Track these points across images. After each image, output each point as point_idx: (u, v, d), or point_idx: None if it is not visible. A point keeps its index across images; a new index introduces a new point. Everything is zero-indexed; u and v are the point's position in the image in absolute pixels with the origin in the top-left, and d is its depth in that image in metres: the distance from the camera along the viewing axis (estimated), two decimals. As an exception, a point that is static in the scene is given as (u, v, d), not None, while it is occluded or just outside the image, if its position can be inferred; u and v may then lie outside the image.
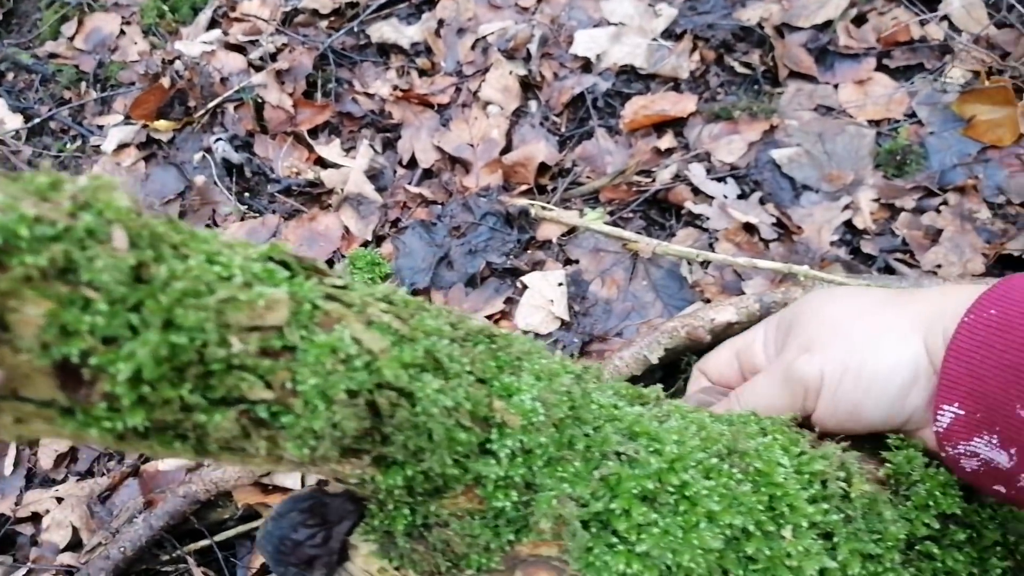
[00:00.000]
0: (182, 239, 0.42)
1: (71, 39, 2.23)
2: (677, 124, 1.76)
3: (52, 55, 2.22)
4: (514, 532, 0.57)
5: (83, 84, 2.15)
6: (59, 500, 1.52)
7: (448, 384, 0.52)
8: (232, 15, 2.03)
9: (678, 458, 0.59)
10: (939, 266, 1.44)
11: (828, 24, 1.84)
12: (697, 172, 1.61)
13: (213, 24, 2.06)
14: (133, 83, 2.11)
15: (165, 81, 1.95)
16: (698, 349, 1.25)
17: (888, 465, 0.65)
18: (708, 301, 1.38)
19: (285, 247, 0.48)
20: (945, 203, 1.55)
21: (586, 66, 1.86)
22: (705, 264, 1.45)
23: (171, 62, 1.99)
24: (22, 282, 0.35)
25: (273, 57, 1.94)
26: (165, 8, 2.17)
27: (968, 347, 0.58)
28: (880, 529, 0.62)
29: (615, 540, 0.57)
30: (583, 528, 0.56)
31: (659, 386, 0.69)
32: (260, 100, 1.86)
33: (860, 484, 0.62)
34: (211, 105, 1.88)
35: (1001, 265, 1.44)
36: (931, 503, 0.64)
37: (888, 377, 0.63)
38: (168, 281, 0.39)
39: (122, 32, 2.20)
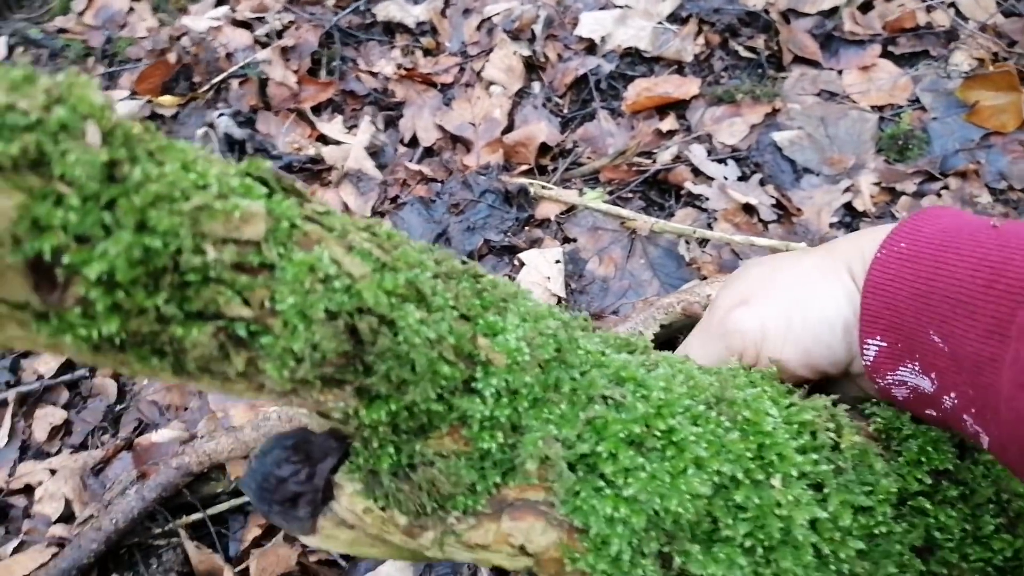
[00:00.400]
0: (157, 145, 0.41)
1: (80, 15, 2.23)
2: (680, 106, 1.75)
3: (61, 30, 2.22)
4: (501, 475, 0.57)
5: (91, 59, 2.15)
6: (52, 472, 1.51)
7: (431, 317, 0.51)
8: (239, -7, 2.03)
9: (665, 404, 0.58)
10: (940, 249, 1.43)
11: (834, 11, 1.83)
12: (698, 153, 1.60)
13: (221, 1, 2.06)
14: (140, 59, 2.11)
15: (171, 56, 1.95)
16: (694, 325, 1.24)
17: (877, 420, 0.64)
18: (705, 278, 1.37)
19: (263, 164, 0.47)
20: (946, 187, 1.54)
21: (590, 48, 1.86)
22: (703, 243, 1.44)
23: (178, 38, 1.98)
24: (-8, 171, 0.34)
25: (279, 34, 1.94)
26: (170, -14, 2.17)
27: (882, 280, 0.60)
28: (871, 481, 0.61)
29: (602, 484, 0.56)
30: (569, 470, 0.55)
31: (647, 336, 0.68)
32: (264, 76, 1.86)
33: (850, 435, 0.61)
34: (216, 80, 1.88)
35: (1003, 249, 1.43)
36: (923, 459, 0.63)
37: (833, 318, 0.64)
38: (142, 183, 0.39)
39: (131, 9, 2.20)
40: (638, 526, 0.55)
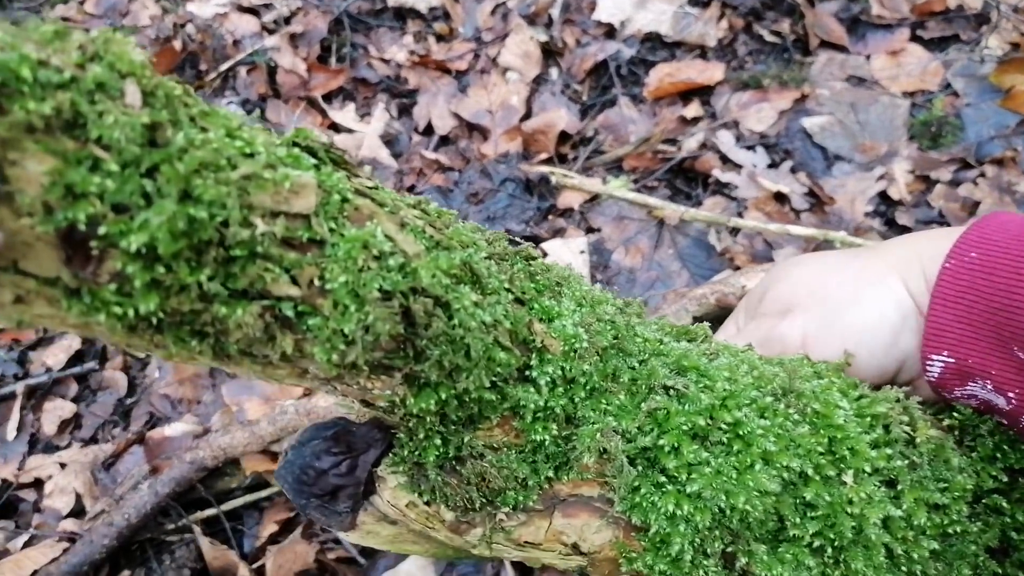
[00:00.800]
0: (199, 110, 0.38)
1: (82, 3, 2.20)
2: (704, 92, 1.71)
3: (63, 19, 2.18)
4: (554, 469, 0.53)
5: (93, 48, 2.12)
6: (62, 466, 1.48)
7: (486, 300, 0.48)
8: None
9: (730, 395, 0.55)
10: (978, 238, 1.39)
11: (861, -7, 1.79)
12: (725, 140, 1.56)
13: (227, -14, 2.02)
14: (144, 47, 2.07)
15: (176, 44, 1.91)
16: (727, 316, 1.20)
17: (955, 415, 0.61)
18: (738, 268, 1.33)
19: (312, 133, 0.44)
20: (982, 175, 1.50)
21: (610, 33, 1.81)
22: (734, 232, 1.41)
23: (183, 25, 1.95)
24: (24, 131, 0.31)
25: (287, 20, 1.90)
26: (177, -28, 2.14)
27: (953, 293, 0.57)
28: (947, 478, 0.57)
29: (663, 479, 0.53)
30: (629, 464, 0.52)
31: (707, 324, 0.64)
32: (273, 64, 1.82)
33: (925, 429, 0.58)
34: (223, 68, 1.84)
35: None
36: (998, 455, 0.60)
37: (877, 324, 0.61)
38: (186, 148, 0.35)
39: (134, -4, 2.17)
40: (702, 524, 0.52)
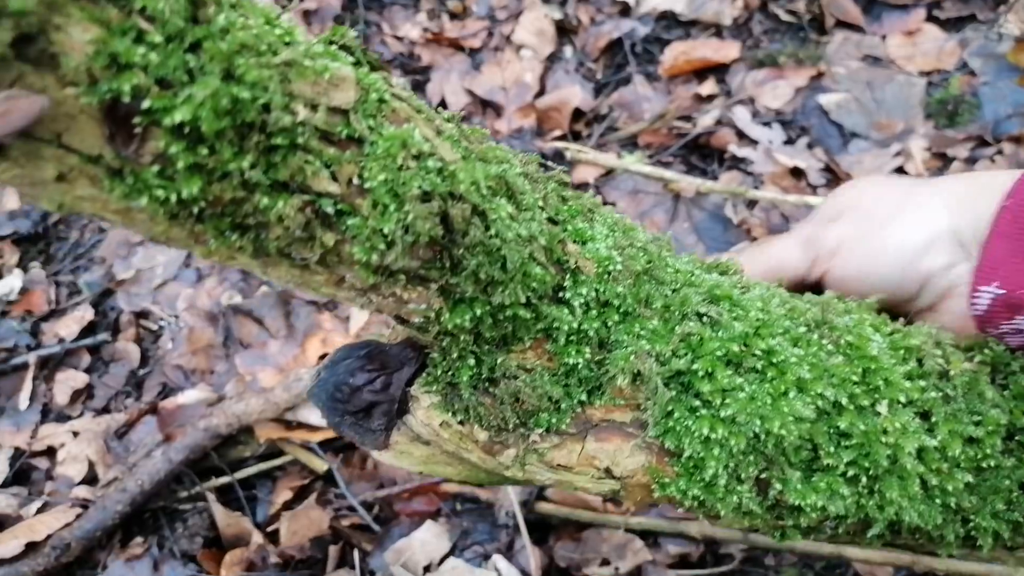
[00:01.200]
0: (237, -1, 0.37)
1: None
2: (719, 70, 1.70)
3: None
4: (586, 393, 0.53)
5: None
6: (75, 434, 1.48)
7: (521, 215, 0.47)
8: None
9: (764, 324, 0.54)
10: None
11: (877, -27, 1.78)
12: (742, 116, 1.55)
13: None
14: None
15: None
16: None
17: (986, 351, 0.60)
18: (755, 240, 1.33)
19: (349, 31, 0.43)
20: (1000, 152, 1.49)
21: (624, 11, 1.81)
22: (751, 204, 1.40)
23: None
24: (67, -2, 0.31)
25: (302, -3, 1.90)
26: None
27: (1012, 229, 0.57)
28: (981, 411, 0.57)
29: (697, 403, 0.52)
30: (670, 384, 0.51)
31: (738, 258, 0.64)
32: (288, 40, 1.82)
33: (959, 363, 0.57)
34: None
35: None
36: (1032, 386, 0.59)
37: (911, 247, 0.62)
38: (227, 29, 0.35)
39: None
40: (736, 449, 0.51)
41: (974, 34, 1.69)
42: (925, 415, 0.56)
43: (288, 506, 1.35)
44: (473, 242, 0.44)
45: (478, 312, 0.47)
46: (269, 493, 1.41)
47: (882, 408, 0.54)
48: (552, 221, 0.51)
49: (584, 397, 0.52)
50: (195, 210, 0.37)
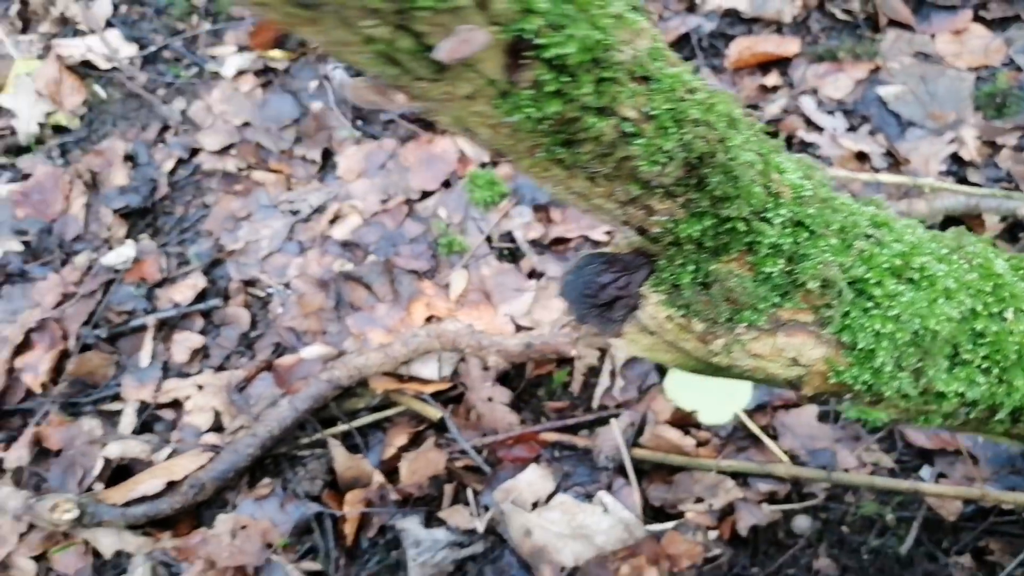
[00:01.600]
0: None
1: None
2: (781, 64, 1.84)
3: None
4: (779, 296, 0.66)
5: (195, 17, 2.26)
6: (199, 388, 1.62)
7: (747, 144, 0.61)
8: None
9: (916, 245, 0.68)
10: (1045, 193, 1.51)
11: (926, -23, 1.92)
12: (808, 105, 1.69)
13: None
14: (243, 17, 2.21)
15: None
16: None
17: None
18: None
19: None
20: (1046, 140, 1.62)
21: (690, 7, 1.95)
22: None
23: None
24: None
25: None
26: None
27: None
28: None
29: (870, 305, 0.65)
30: (849, 292, 0.65)
31: (883, 196, 0.77)
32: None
33: (1068, 282, 0.71)
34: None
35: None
36: None
37: None
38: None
39: (233, -29, 2.30)
40: (901, 341, 0.65)
41: (1018, 33, 1.82)
42: (1045, 321, 0.69)
43: (403, 450, 1.48)
44: (717, 163, 0.58)
45: (707, 224, 0.61)
46: (381, 440, 1.54)
47: (1008, 315, 0.68)
48: (759, 154, 0.64)
49: (777, 299, 0.66)
50: (544, 127, 0.51)
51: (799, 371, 0.68)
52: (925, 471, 1.28)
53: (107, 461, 1.53)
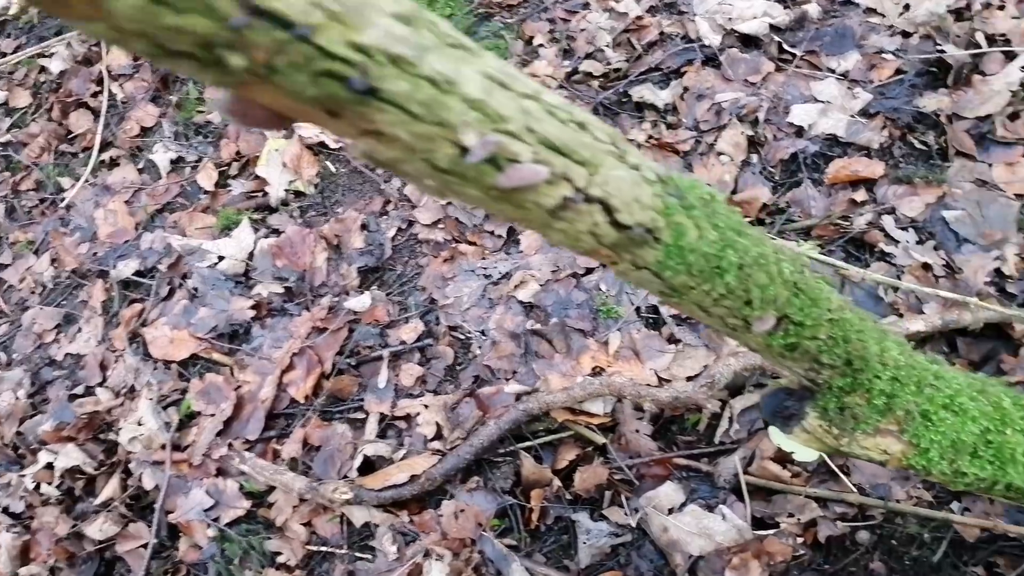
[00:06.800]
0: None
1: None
2: (868, 183, 2.31)
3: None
4: (880, 416, 1.15)
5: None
6: (426, 407, 2.18)
7: (859, 334, 1.11)
8: (526, 71, 2.66)
9: (959, 390, 1.16)
10: (1068, 307, 1.96)
11: (988, 117, 2.36)
12: (888, 222, 2.16)
13: (510, 76, 2.69)
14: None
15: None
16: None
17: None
18: (901, 315, 1.94)
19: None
20: (1074, 262, 2.06)
21: (799, 132, 2.43)
22: (896, 289, 2.01)
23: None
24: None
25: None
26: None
27: None
28: (1058, 438, 1.18)
29: (929, 424, 1.14)
30: (920, 418, 1.14)
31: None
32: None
33: (1047, 415, 1.18)
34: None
35: (1114, 311, 1.95)
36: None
37: None
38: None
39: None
40: (945, 444, 1.15)
41: (1060, 168, 2.25)
42: (1029, 438, 1.17)
43: (574, 465, 2.02)
44: (859, 356, 1.08)
45: (848, 380, 1.11)
46: (553, 455, 2.08)
47: (1007, 432, 1.17)
48: (878, 344, 1.15)
49: (879, 418, 1.16)
50: (781, 350, 1.03)
51: (887, 457, 1.18)
52: (955, 505, 1.76)
53: (364, 456, 2.11)
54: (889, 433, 1.16)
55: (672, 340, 2.12)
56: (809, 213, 2.28)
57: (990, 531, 1.70)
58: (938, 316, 1.83)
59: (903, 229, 2.17)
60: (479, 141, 0.55)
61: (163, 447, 2.30)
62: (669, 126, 2.53)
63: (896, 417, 1.15)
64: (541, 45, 2.74)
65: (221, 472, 2.26)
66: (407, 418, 2.19)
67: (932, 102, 2.40)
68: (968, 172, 2.29)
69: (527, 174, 0.58)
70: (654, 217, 0.73)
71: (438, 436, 2.13)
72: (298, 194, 2.71)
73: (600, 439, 2.01)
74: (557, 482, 1.99)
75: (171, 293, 2.64)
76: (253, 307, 2.45)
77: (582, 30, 2.73)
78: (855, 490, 1.82)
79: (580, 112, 0.66)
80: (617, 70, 2.64)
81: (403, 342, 2.30)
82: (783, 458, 1.90)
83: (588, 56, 2.68)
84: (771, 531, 1.81)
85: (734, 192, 2.35)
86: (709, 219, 0.82)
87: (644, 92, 2.57)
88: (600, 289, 2.24)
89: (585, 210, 0.67)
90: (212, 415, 2.34)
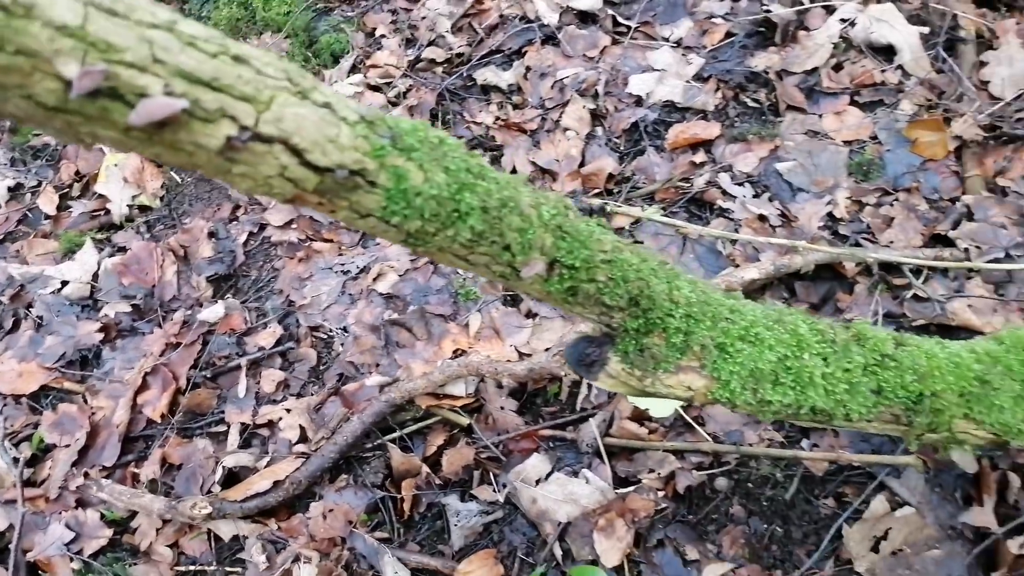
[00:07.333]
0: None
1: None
2: (706, 144, 2.37)
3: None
4: (680, 354, 1.17)
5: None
6: (288, 411, 2.11)
7: (658, 280, 1.13)
8: (368, 62, 2.63)
9: (754, 321, 1.19)
10: (891, 242, 2.06)
11: (815, 70, 2.47)
12: (724, 179, 2.22)
13: (354, 69, 2.66)
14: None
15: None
16: (734, 296, 1.86)
17: (854, 329, 1.26)
18: (737, 266, 2.00)
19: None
20: (897, 199, 2.17)
21: (638, 101, 2.47)
22: (734, 242, 2.07)
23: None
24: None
25: (404, 95, 2.54)
26: (309, 54, 2.77)
27: None
28: (851, 356, 1.22)
29: (727, 356, 1.17)
30: (716, 350, 1.16)
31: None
32: (399, 128, 2.46)
33: (841, 335, 1.22)
34: (362, 131, 2.47)
35: (934, 241, 2.06)
36: (876, 347, 1.25)
37: None
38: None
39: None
40: (743, 374, 1.17)
41: (882, 114, 2.37)
42: (825, 359, 1.22)
43: (442, 448, 1.99)
44: (645, 295, 1.10)
45: (640, 321, 1.12)
46: (422, 444, 2.05)
47: (805, 357, 1.20)
48: (667, 282, 1.16)
49: (678, 356, 1.18)
50: (563, 292, 1.03)
51: (691, 393, 1.20)
52: (804, 443, 1.82)
53: (225, 469, 2.03)
54: (691, 370, 1.18)
55: (530, 315, 2.12)
56: (654, 178, 2.32)
57: (836, 463, 1.77)
58: (770, 263, 1.89)
59: (739, 185, 2.24)
60: (80, 71, 0.51)
61: (14, 485, 2.16)
62: (515, 106, 2.54)
63: (695, 353, 1.17)
64: (384, 36, 2.71)
65: (80, 503, 2.14)
66: (270, 425, 2.12)
67: (762, 61, 2.49)
68: (800, 124, 2.38)
69: (157, 108, 0.55)
70: (359, 159, 0.71)
71: (303, 439, 2.07)
72: (143, 208, 2.60)
73: (465, 420, 1.99)
74: (425, 469, 1.96)
75: (16, 325, 2.49)
76: (101, 330, 2.33)
77: (423, 18, 2.72)
78: (710, 439, 1.86)
79: (240, 46, 0.63)
80: (460, 55, 2.63)
81: (262, 348, 2.23)
82: (641, 416, 1.92)
83: (431, 43, 2.67)
84: (632, 488, 1.83)
85: (582, 165, 2.38)
86: (438, 162, 0.80)
87: (488, 75, 2.57)
88: (458, 273, 2.23)
89: (263, 151, 0.64)
90: (67, 446, 2.21)
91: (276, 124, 0.64)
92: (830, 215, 2.16)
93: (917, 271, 1.98)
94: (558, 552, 1.80)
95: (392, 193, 0.76)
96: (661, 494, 1.81)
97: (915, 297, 1.95)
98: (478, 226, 0.86)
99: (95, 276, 2.44)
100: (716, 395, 1.19)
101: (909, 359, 1.26)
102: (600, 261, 1.02)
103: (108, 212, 2.59)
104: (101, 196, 2.61)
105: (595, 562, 1.77)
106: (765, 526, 1.75)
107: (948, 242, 2.04)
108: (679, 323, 1.15)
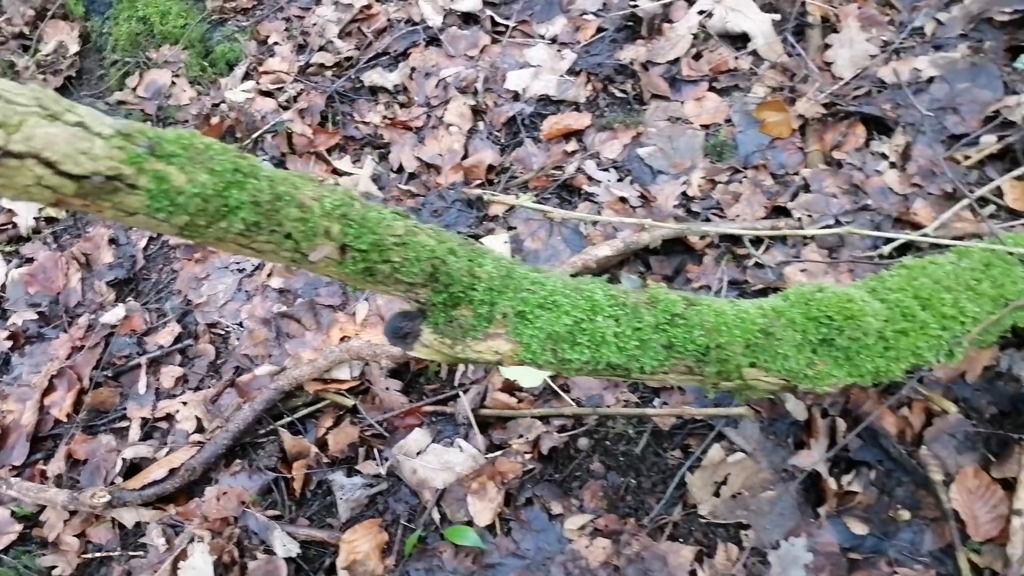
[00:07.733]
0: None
1: (134, 89, 2.91)
2: (578, 134, 2.54)
3: (120, 102, 2.90)
4: (487, 322, 1.32)
5: (148, 123, 2.84)
6: (184, 404, 2.23)
7: (460, 257, 1.28)
8: (261, 69, 2.74)
9: (554, 290, 1.35)
10: (738, 216, 2.25)
11: (677, 60, 2.64)
12: (590, 166, 2.39)
13: (247, 76, 2.77)
14: (187, 121, 2.81)
15: (216, 119, 2.66)
16: (590, 273, 2.03)
17: (649, 294, 1.43)
18: (594, 245, 2.16)
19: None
20: (745, 177, 2.35)
21: (516, 96, 2.63)
22: (595, 223, 2.24)
23: (217, 105, 2.70)
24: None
25: (295, 99, 2.66)
26: (205, 63, 2.87)
27: None
28: (642, 317, 1.38)
29: (527, 322, 1.32)
30: (516, 318, 1.31)
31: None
32: (289, 131, 2.58)
33: (631, 298, 1.39)
34: (254, 136, 2.59)
35: (776, 212, 2.25)
36: (667, 308, 1.42)
37: None
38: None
39: (173, 83, 2.89)
40: (543, 337, 1.33)
41: (737, 97, 2.56)
42: (617, 320, 1.38)
43: (330, 430, 2.13)
44: (442, 271, 1.25)
45: (444, 295, 1.27)
46: (313, 426, 2.18)
47: (598, 319, 1.36)
48: (468, 260, 1.31)
49: (485, 325, 1.33)
50: (359, 272, 1.18)
51: (499, 356, 1.35)
52: (656, 401, 2.00)
53: (125, 461, 2.14)
54: (497, 336, 1.34)
55: (412, 301, 2.27)
56: (530, 168, 2.48)
57: (681, 417, 1.94)
58: (621, 241, 2.06)
59: (604, 170, 2.40)
60: None
61: (-75, 492, 2.25)
62: (402, 105, 2.68)
63: (500, 322, 1.33)
64: (276, 43, 2.82)
65: (-9, 504, 2.23)
66: (168, 418, 2.23)
67: (629, 53, 2.66)
68: (663, 111, 2.55)
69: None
70: (115, 166, 0.85)
71: (200, 429, 2.19)
72: (50, 220, 2.69)
73: (350, 402, 2.13)
74: (315, 450, 2.10)
75: (-75, 338, 2.56)
76: (9, 337, 2.42)
77: (314, 24, 2.84)
78: (573, 404, 2.02)
79: (-7, 82, 0.76)
80: (349, 59, 2.76)
81: (161, 347, 2.34)
82: (512, 387, 2.08)
83: (321, 48, 2.79)
84: (500, 452, 1.99)
85: (464, 158, 2.52)
86: (203, 164, 0.94)
87: (374, 76, 2.70)
88: (344, 265, 2.36)
89: (16, 165, 0.77)
90: (-23, 451, 2.30)
91: (26, 142, 0.77)
92: (684, 194, 2.33)
93: (758, 241, 2.17)
94: (436, 516, 1.95)
95: (154, 193, 0.89)
96: (528, 456, 1.97)
97: (757, 265, 2.13)
98: (251, 218, 0.99)
99: (3, 287, 2.53)
100: (521, 356, 1.35)
101: (697, 317, 1.43)
102: (392, 244, 1.17)
103: (15, 226, 2.67)
104: (8, 210, 2.69)
105: (469, 523, 1.93)
106: (621, 479, 1.92)
107: (788, 213, 2.22)
108: (483, 295, 1.30)
